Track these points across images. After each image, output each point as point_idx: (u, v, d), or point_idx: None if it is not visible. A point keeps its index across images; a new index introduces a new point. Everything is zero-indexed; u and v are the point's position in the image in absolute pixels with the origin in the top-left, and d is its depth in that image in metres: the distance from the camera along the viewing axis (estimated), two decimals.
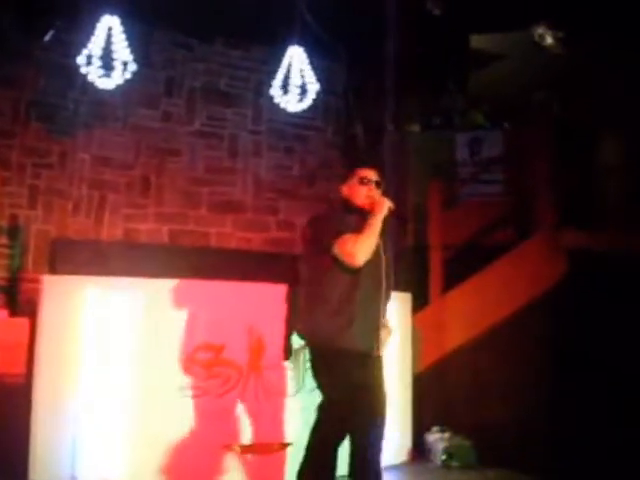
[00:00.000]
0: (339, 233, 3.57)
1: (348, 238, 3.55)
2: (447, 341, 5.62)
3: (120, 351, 4.26)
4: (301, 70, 6.26)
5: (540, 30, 5.60)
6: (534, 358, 5.35)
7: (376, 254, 3.64)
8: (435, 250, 5.81)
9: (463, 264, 5.93)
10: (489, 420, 5.34)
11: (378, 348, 3.69)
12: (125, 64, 5.76)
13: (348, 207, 3.76)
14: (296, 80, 6.23)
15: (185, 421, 4.31)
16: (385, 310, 3.81)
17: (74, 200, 6.57)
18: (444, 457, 4.97)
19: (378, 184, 3.76)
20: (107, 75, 5.73)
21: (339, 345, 3.54)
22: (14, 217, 6.31)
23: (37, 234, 6.44)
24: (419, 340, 5.54)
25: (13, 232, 6.29)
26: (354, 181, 3.77)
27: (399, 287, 5.74)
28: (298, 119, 7.14)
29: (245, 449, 4.42)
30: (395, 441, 5.06)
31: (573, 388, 5.02)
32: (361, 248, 3.54)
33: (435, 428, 5.24)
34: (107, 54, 5.72)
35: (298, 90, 6.22)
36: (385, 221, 3.66)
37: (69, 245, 6.49)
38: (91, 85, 6.10)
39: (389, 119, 7.19)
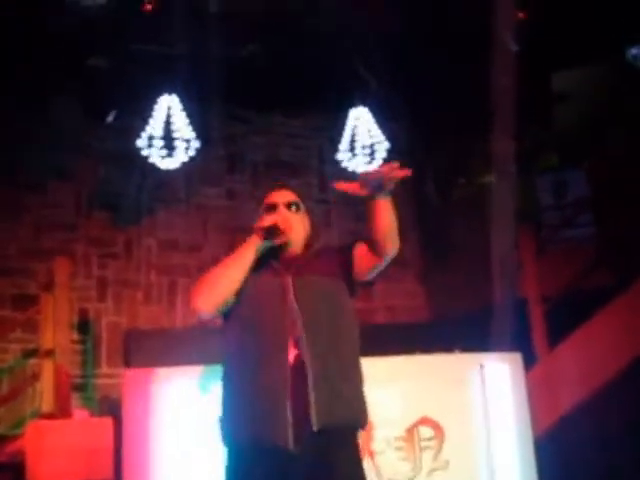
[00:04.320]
0: None
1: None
2: (562, 401, 5.10)
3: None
4: (368, 130, 6.01)
5: (634, 51, 5.28)
6: None
7: (274, 300, 2.49)
8: (535, 303, 5.34)
9: (564, 314, 5.45)
10: None
11: (295, 440, 2.34)
12: (188, 142, 5.59)
13: None
14: (364, 141, 5.98)
15: None
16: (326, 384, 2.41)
17: (144, 288, 6.36)
18: None
19: (290, 206, 2.65)
20: (170, 155, 5.55)
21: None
22: (84, 311, 6.09)
23: (108, 327, 6.22)
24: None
25: (84, 327, 6.06)
26: (262, 213, 2.66)
27: (502, 347, 5.36)
28: None
29: None
30: None
31: None
32: (203, 284, 2.51)
33: None
34: (168, 134, 5.57)
35: (367, 151, 5.96)
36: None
37: (142, 335, 6.23)
38: (151, 168, 5.96)
39: (460, 173, 6.88)
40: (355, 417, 2.50)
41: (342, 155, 6.09)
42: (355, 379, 2.53)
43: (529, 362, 5.24)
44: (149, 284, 6.37)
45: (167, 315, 6.38)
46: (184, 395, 3.94)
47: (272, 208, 2.63)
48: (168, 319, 6.37)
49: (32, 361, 5.74)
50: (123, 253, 6.32)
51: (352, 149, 6.06)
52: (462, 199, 6.98)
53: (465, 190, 6.92)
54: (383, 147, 6.03)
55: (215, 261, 6.65)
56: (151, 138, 5.53)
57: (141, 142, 5.52)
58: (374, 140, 6.02)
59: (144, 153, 5.54)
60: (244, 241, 2.54)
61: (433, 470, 4.22)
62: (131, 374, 4.05)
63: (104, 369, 6.10)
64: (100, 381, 6.03)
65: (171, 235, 6.51)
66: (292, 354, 2.42)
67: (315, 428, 2.33)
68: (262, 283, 2.51)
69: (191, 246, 6.57)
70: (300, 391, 2.37)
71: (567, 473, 5.00)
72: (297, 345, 2.42)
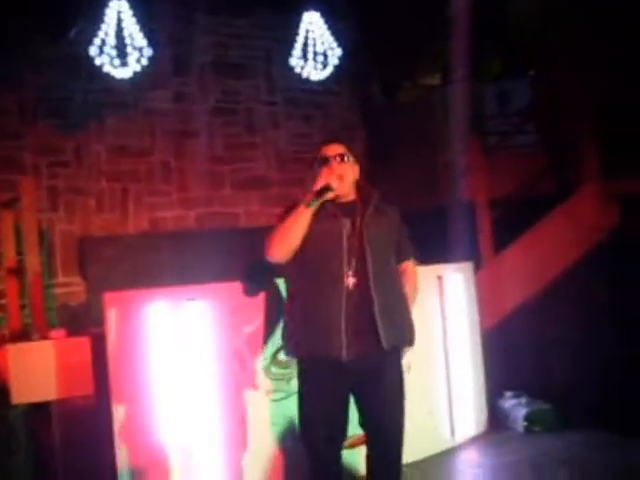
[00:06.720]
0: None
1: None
2: (506, 302, 5.47)
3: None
4: (321, 36, 5.97)
5: None
6: (599, 309, 5.27)
7: (332, 240, 3.03)
8: (482, 208, 5.59)
9: (508, 220, 5.75)
10: (560, 380, 5.27)
11: (349, 352, 2.98)
12: (140, 50, 5.44)
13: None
14: (317, 47, 5.95)
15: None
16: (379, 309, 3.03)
17: (95, 195, 6.32)
18: (526, 423, 4.88)
19: (342, 157, 3.11)
20: (124, 64, 5.41)
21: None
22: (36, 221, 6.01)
23: (62, 236, 6.20)
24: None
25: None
26: (315, 166, 3.14)
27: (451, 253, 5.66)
28: (313, 84, 6.82)
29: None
30: (471, 411, 4.97)
31: None
32: (274, 238, 3.02)
33: (509, 393, 5.15)
34: (120, 41, 5.40)
35: (320, 57, 5.95)
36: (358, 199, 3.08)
37: (96, 243, 6.25)
38: (97, 74, 5.78)
39: (405, 76, 6.96)
40: (406, 337, 3.17)
41: (294, 61, 6.04)
42: (406, 307, 3.21)
43: (475, 264, 5.59)
44: (101, 191, 6.33)
45: (120, 222, 6.39)
46: (165, 316, 4.07)
47: (325, 161, 3.09)
48: (121, 226, 6.39)
49: None
50: (73, 161, 6.22)
51: (305, 55, 6.02)
52: (408, 101, 7.08)
53: (411, 92, 7.02)
54: (336, 54, 6.02)
55: (164, 166, 6.69)
56: (102, 46, 5.34)
57: (93, 50, 5.34)
58: (327, 47, 6.00)
59: (97, 62, 5.36)
60: (303, 199, 2.99)
61: None
62: (112, 296, 4.12)
63: (60, 278, 6.14)
64: (57, 290, 6.08)
65: (120, 141, 6.42)
66: (351, 283, 3.00)
67: (385, 347, 3.00)
68: (322, 227, 3.03)
69: (140, 152, 6.51)
70: (356, 314, 2.99)
71: (506, 367, 5.46)
72: (356, 275, 3.00)
